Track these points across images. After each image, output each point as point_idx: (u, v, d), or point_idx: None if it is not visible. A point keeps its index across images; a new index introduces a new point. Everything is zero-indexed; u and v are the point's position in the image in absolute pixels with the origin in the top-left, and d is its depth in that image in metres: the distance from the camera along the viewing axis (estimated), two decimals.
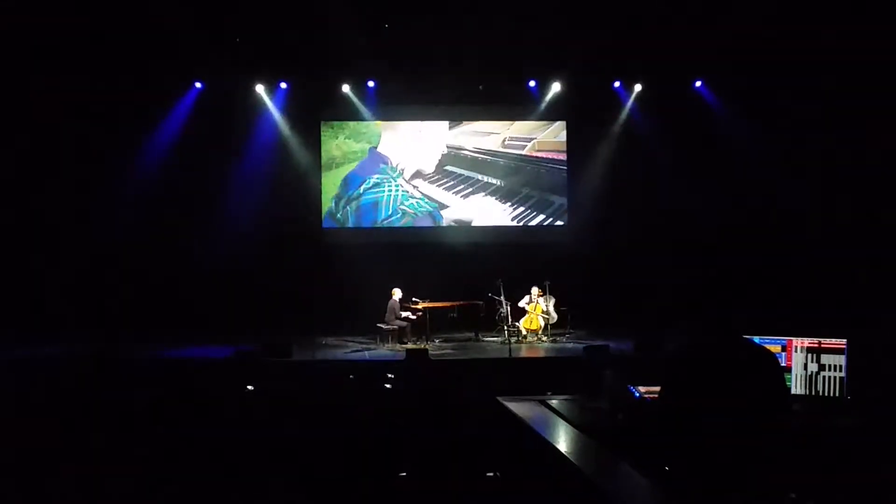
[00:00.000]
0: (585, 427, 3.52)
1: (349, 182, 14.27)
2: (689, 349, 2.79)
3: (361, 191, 14.26)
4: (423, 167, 14.38)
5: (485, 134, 14.51)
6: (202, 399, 6.24)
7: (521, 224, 14.49)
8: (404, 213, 14.29)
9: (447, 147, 14.41)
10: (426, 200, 14.35)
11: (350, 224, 14.25)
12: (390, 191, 14.27)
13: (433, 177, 14.41)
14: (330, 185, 14.22)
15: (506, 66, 12.89)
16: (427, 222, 14.39)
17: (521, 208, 14.53)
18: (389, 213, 14.28)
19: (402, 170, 14.31)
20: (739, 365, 2.66)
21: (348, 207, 14.24)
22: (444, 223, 14.39)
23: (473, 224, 14.41)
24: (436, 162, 14.39)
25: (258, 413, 5.75)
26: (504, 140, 14.52)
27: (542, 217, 14.56)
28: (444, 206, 14.38)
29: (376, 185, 14.27)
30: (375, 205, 14.26)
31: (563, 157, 14.54)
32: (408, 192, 14.31)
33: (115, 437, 5.06)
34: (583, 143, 14.38)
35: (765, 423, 2.59)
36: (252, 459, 4.68)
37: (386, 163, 14.26)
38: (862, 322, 7.67)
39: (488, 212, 14.45)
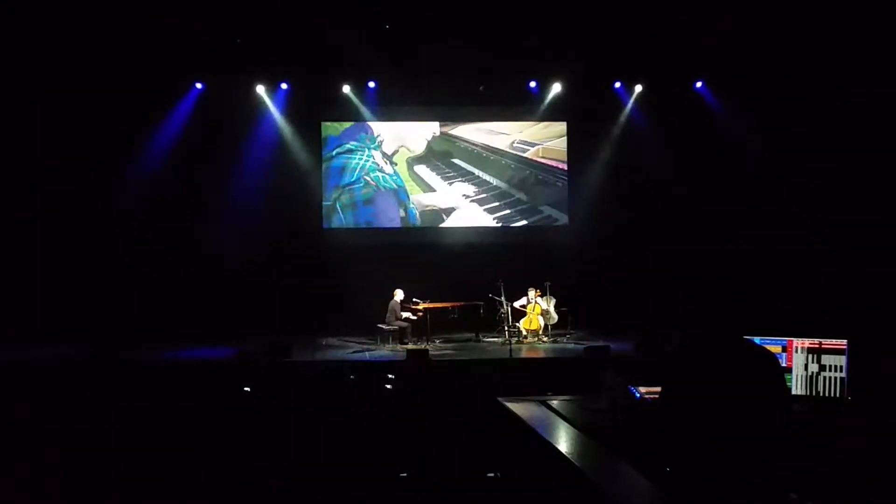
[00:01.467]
0: (586, 428, 3.51)
1: (327, 143, 14.39)
2: (690, 350, 2.79)
3: (333, 153, 14.35)
4: (410, 146, 14.44)
5: (495, 133, 14.57)
6: (203, 400, 6.25)
7: (500, 225, 14.54)
8: (366, 183, 14.36)
9: (443, 134, 14.49)
10: (394, 178, 14.39)
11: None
12: (360, 159, 14.35)
13: (429, 161, 14.48)
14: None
15: (506, 66, 12.89)
16: (390, 199, 14.42)
17: (508, 210, 14.56)
18: (352, 179, 14.35)
19: (381, 142, 14.37)
20: (739, 365, 2.66)
21: (319, 168, 14.34)
22: (413, 206, 14.42)
23: (451, 215, 14.48)
24: (424, 145, 14.48)
25: (258, 413, 5.75)
26: (513, 142, 14.57)
27: (524, 222, 14.59)
28: (431, 190, 14.46)
29: (349, 150, 14.38)
30: (342, 169, 14.36)
31: (564, 167, 14.58)
32: (378, 164, 14.37)
33: (116, 439, 5.06)
34: (583, 144, 14.38)
35: (765, 423, 2.59)
36: (252, 460, 4.68)
37: (367, 132, 14.33)
38: (863, 322, 7.67)
39: (474, 207, 14.49)
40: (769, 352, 2.78)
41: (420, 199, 14.47)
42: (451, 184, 14.49)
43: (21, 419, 5.68)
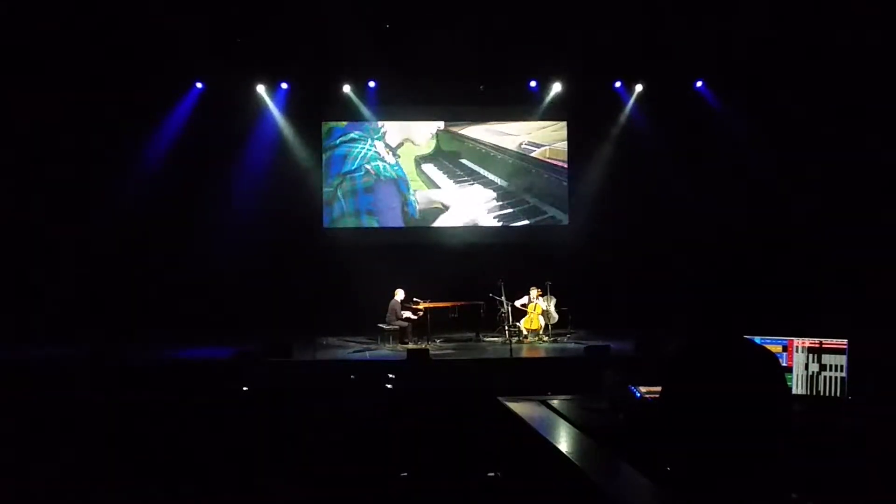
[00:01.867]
0: (586, 427, 3.51)
1: (332, 134, 14.46)
2: (690, 349, 2.79)
3: (337, 142, 14.45)
4: (416, 139, 14.51)
5: (502, 133, 14.62)
6: (203, 399, 6.25)
7: (500, 224, 14.57)
8: (367, 171, 14.44)
9: (448, 131, 14.53)
10: (395, 168, 14.45)
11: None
12: (362, 148, 14.44)
13: (436, 159, 14.51)
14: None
15: (506, 66, 12.89)
16: (390, 188, 14.45)
17: (511, 210, 14.58)
18: (353, 167, 14.44)
19: (385, 133, 14.45)
20: (740, 365, 2.66)
21: (323, 157, 14.38)
22: (413, 199, 14.46)
23: (454, 213, 14.51)
24: (428, 140, 14.53)
25: (259, 413, 5.75)
26: (520, 144, 14.61)
27: (526, 222, 14.61)
28: (436, 188, 14.51)
29: (352, 139, 14.46)
30: (345, 157, 14.47)
31: (565, 167, 14.59)
32: (379, 153, 14.45)
33: (116, 439, 5.06)
34: (584, 144, 14.38)
35: (766, 423, 2.59)
36: (253, 459, 4.68)
37: (371, 123, 14.39)
38: (863, 321, 7.67)
39: (478, 206, 14.52)
40: (769, 351, 2.77)
41: (425, 196, 14.47)
42: (456, 182, 14.49)
43: (21, 420, 5.68)
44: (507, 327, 12.03)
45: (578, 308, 12.68)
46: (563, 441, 3.36)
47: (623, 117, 14.18)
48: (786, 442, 2.65)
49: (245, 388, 6.44)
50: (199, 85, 13.26)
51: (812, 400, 3.84)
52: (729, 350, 2.69)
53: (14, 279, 12.18)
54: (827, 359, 3.84)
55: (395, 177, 14.47)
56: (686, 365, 2.78)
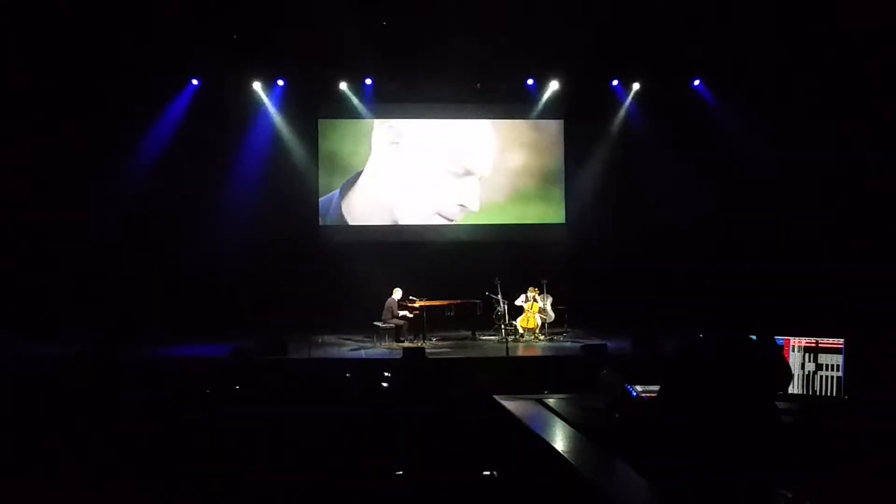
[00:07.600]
0: (582, 426, 3.51)
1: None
2: (689, 348, 2.77)
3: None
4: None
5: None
6: (199, 397, 6.23)
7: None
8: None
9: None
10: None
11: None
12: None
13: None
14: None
15: (504, 64, 12.87)
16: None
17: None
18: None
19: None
20: (738, 365, 2.64)
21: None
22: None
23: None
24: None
25: (254, 411, 5.74)
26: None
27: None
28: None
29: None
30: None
31: (562, 165, 14.54)
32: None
33: (114, 436, 5.05)
34: (581, 142, 14.37)
35: (762, 422, 2.58)
36: (248, 457, 4.67)
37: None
38: (860, 321, 7.67)
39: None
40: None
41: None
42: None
43: (20, 418, 5.67)
44: (503, 326, 12.01)
45: (575, 307, 12.66)
46: (560, 440, 3.36)
47: (620, 116, 14.16)
48: (781, 440, 2.64)
49: (237, 387, 6.42)
50: (194, 81, 13.19)
51: (808, 399, 3.84)
52: (728, 349, 2.68)
53: (12, 278, 12.11)
54: (823, 358, 3.84)
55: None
56: (685, 364, 2.77)
